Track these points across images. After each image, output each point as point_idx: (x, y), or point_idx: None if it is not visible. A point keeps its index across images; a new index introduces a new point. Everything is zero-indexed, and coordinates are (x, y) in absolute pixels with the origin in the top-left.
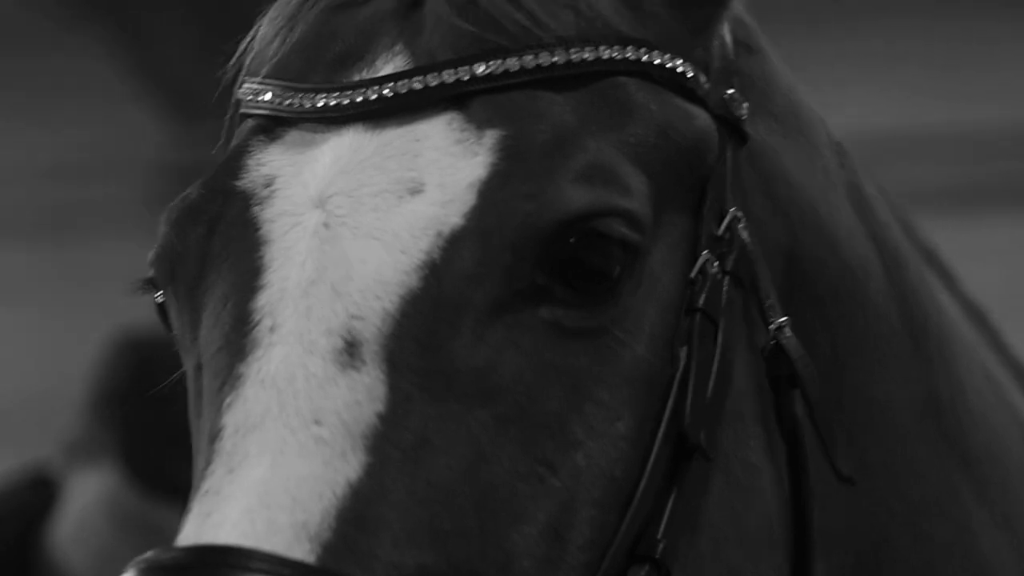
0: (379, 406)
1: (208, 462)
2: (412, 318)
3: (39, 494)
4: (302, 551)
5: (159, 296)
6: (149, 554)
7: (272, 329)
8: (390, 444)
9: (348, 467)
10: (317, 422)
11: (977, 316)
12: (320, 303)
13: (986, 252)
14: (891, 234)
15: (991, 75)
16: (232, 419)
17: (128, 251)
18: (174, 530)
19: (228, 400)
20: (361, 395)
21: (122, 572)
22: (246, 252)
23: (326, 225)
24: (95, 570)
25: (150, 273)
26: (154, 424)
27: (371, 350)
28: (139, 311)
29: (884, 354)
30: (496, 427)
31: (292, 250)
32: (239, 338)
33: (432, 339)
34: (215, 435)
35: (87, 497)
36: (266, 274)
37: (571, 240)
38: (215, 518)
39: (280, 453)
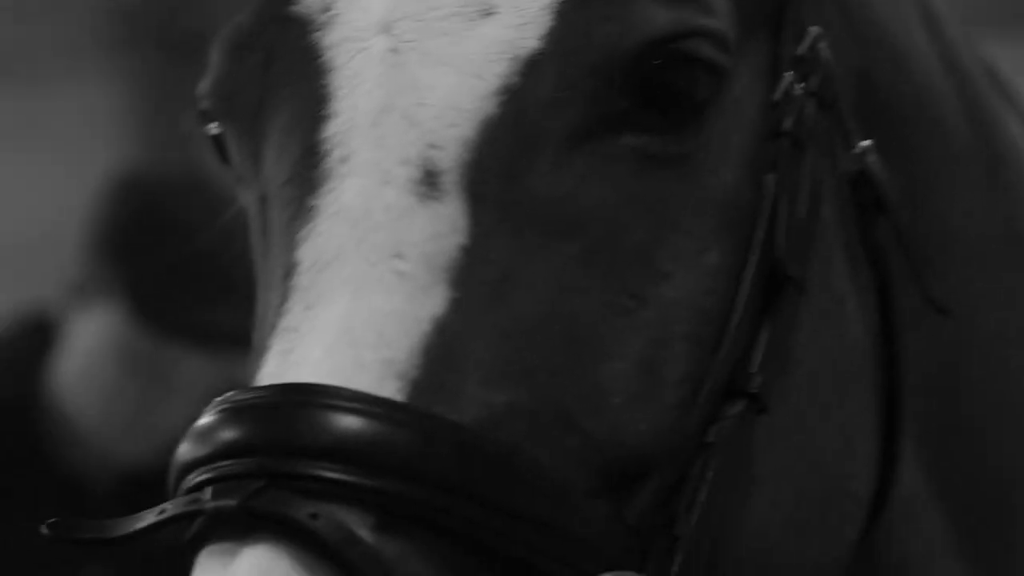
0: (461, 238)
1: (283, 299)
2: (491, 146)
3: (37, 339)
4: (390, 389)
5: (213, 128)
6: (228, 395)
7: (343, 160)
8: (474, 278)
9: (432, 302)
10: (398, 255)
11: None
12: (393, 132)
13: None
14: (960, 54)
15: None
16: (307, 254)
17: (83, 94)
18: (181, 371)
19: (301, 234)
20: (442, 227)
21: (201, 413)
22: (308, 80)
23: (393, 51)
24: (102, 413)
25: (202, 104)
26: (161, 263)
27: (450, 180)
28: (102, 157)
29: (962, 180)
30: (582, 260)
31: (359, 77)
32: (308, 170)
33: (513, 168)
34: (289, 271)
35: (92, 339)
36: (332, 103)
37: (656, 63)
38: (295, 356)
39: (360, 288)
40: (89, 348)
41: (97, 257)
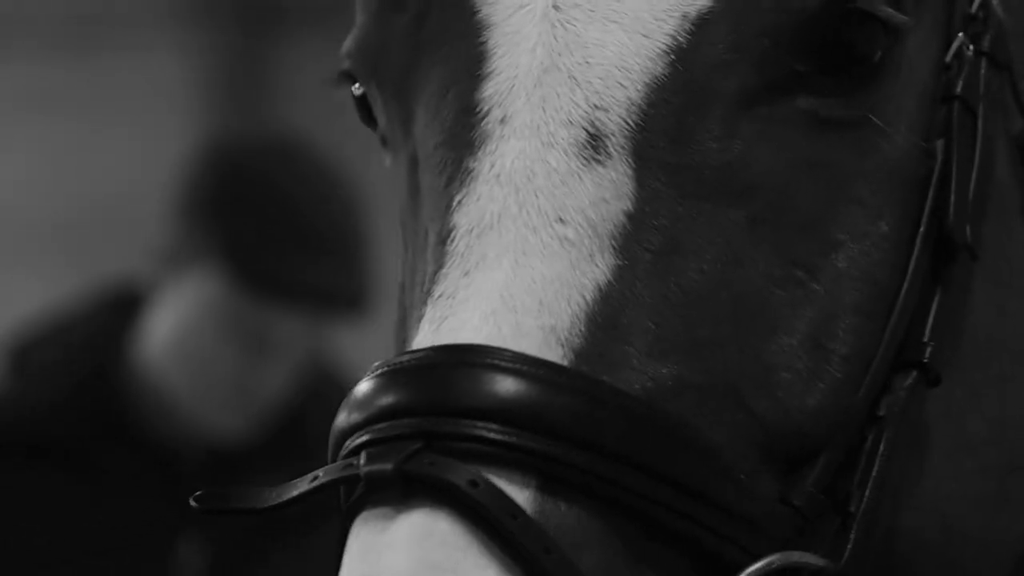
0: (626, 204)
1: (438, 264)
2: (659, 108)
3: (118, 312)
4: (552, 357)
5: (357, 89)
6: (384, 360)
7: (503, 121)
8: (639, 245)
9: (596, 269)
10: (561, 220)
11: None
12: (556, 92)
13: None
14: None
15: None
16: (464, 218)
17: (155, 65)
18: (281, 333)
19: (458, 198)
20: (607, 192)
21: (359, 380)
22: (465, 38)
23: (556, 7)
24: (196, 381)
25: (345, 65)
26: (257, 225)
27: (616, 143)
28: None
29: None
30: (750, 227)
31: (519, 35)
32: (465, 131)
33: (681, 132)
34: (445, 235)
35: (186, 307)
36: (491, 61)
37: (831, 21)
38: (452, 322)
39: (522, 254)
40: (183, 316)
41: (190, 224)
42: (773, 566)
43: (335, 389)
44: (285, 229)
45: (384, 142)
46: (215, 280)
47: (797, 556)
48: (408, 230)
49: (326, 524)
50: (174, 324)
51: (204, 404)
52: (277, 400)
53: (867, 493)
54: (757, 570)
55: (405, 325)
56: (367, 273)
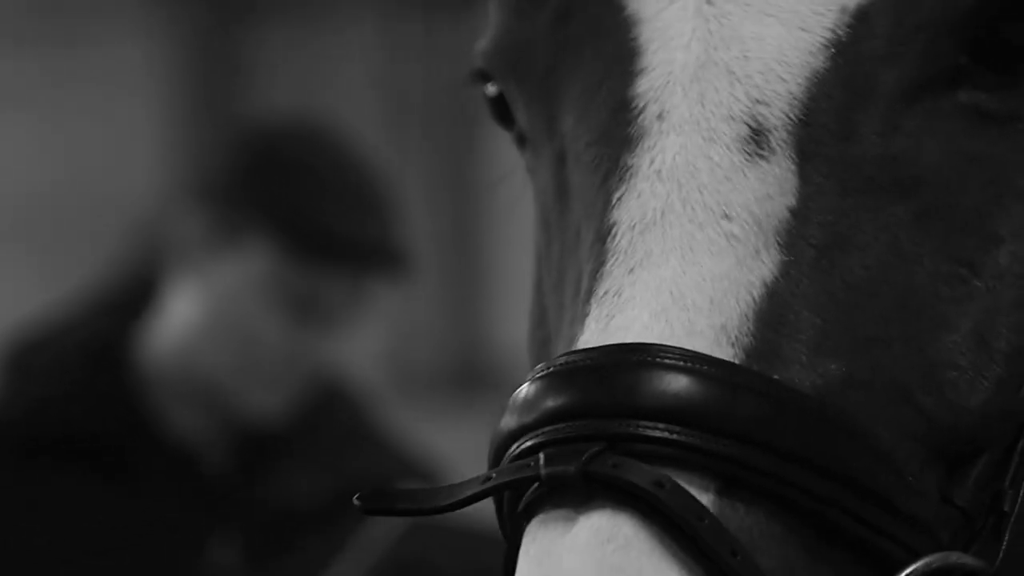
0: (790, 200)
1: (599, 262)
2: (821, 103)
3: (132, 304)
4: (725, 355)
5: (492, 88)
6: (548, 362)
7: (661, 116)
8: (804, 241)
9: (763, 266)
10: (726, 217)
11: None
12: (715, 87)
13: None
14: None
15: None
16: (625, 215)
17: (124, 52)
18: (327, 296)
19: (618, 195)
20: (772, 187)
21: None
22: (613, 35)
23: (709, 2)
24: (240, 356)
25: (481, 64)
26: (299, 193)
27: (779, 138)
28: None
29: None
30: (913, 223)
31: (672, 30)
32: (621, 128)
33: (843, 126)
34: (605, 233)
35: (226, 285)
36: (644, 57)
37: (992, 13)
38: (620, 320)
39: (689, 250)
40: (226, 294)
41: (228, 204)
42: (932, 566)
43: (350, 392)
44: (323, 194)
45: (521, 142)
46: (258, 253)
47: (955, 557)
48: (553, 228)
49: (350, 515)
50: (216, 304)
51: (247, 381)
52: (317, 376)
53: (1021, 493)
54: (916, 570)
55: (548, 323)
56: (403, 231)
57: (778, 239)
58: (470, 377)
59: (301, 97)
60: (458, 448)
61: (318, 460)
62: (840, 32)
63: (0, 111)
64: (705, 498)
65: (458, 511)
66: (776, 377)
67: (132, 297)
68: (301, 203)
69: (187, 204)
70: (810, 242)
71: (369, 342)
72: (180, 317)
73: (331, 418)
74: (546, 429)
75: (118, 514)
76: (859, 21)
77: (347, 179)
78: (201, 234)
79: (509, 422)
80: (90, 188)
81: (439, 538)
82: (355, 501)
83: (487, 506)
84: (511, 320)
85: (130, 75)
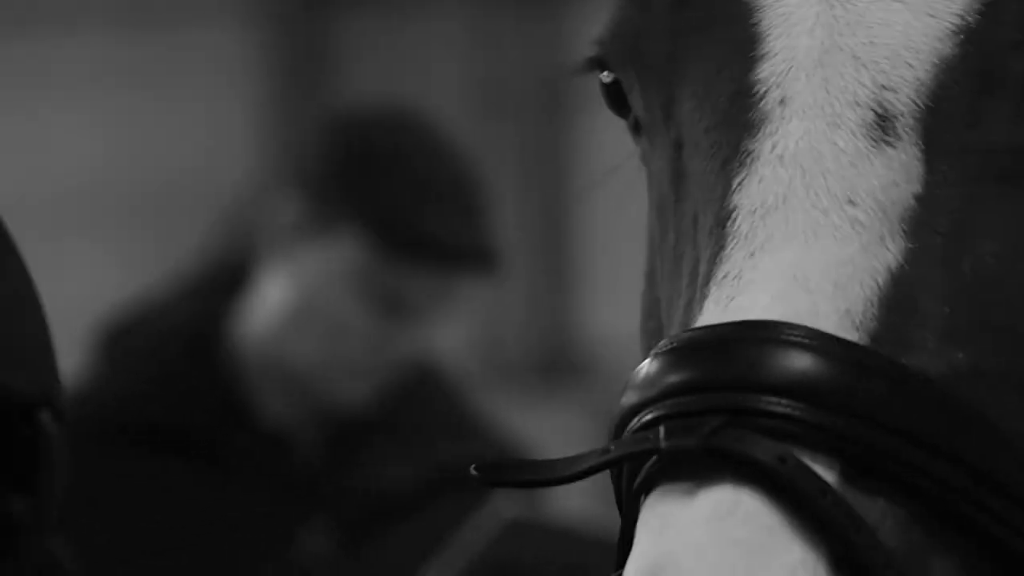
0: (916, 187)
1: (718, 246)
2: (948, 90)
3: (222, 287)
4: (850, 339)
5: (607, 76)
6: (670, 338)
7: (783, 102)
8: (929, 229)
9: (887, 253)
10: (851, 203)
11: None
12: (840, 73)
13: None
14: None
15: None
16: (746, 200)
17: (218, 35)
18: (419, 295)
19: (738, 180)
20: (897, 174)
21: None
22: (734, 21)
23: None
24: (328, 344)
25: (597, 52)
26: (392, 187)
27: (905, 124)
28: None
29: None
30: None
31: (795, 16)
32: (741, 113)
33: (971, 114)
34: (724, 218)
35: (316, 273)
36: (765, 43)
37: None
38: (740, 301)
39: (812, 235)
40: (314, 284)
41: (323, 193)
42: None
43: (445, 378)
44: (417, 190)
45: (636, 129)
46: (348, 244)
47: None
48: (668, 216)
49: (440, 498)
50: (300, 292)
51: (335, 369)
52: (408, 364)
53: None
54: None
55: (659, 313)
56: (496, 231)
57: (904, 226)
58: (559, 366)
59: (392, 86)
60: (547, 438)
61: (411, 447)
62: (969, 18)
63: (92, 94)
64: (828, 476)
65: (553, 512)
66: (904, 362)
67: (224, 283)
68: (394, 199)
69: (281, 191)
70: (936, 230)
71: (460, 330)
72: (271, 304)
73: (424, 404)
74: (667, 402)
75: (210, 501)
76: (988, 8)
77: (443, 175)
78: (294, 222)
79: (630, 397)
80: (182, 173)
81: (534, 538)
82: (473, 472)
83: (580, 506)
84: (600, 309)
85: (222, 60)
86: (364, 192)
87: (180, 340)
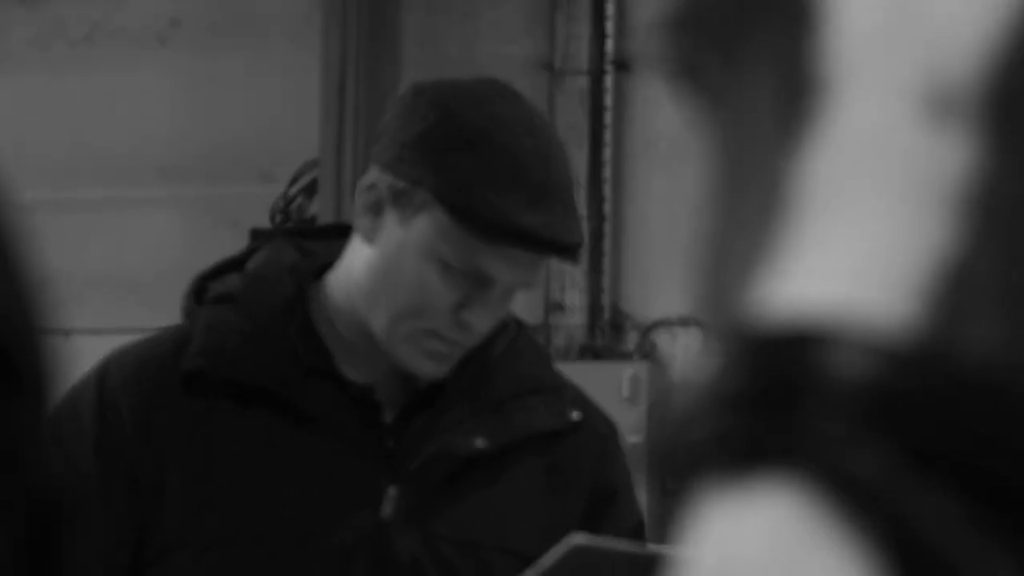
0: (976, 168)
1: (773, 227)
2: (1009, 71)
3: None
4: (907, 325)
5: (673, 51)
6: (725, 333)
7: (841, 81)
8: (987, 211)
9: (946, 235)
10: (910, 183)
11: None
12: (898, 52)
13: None
14: None
15: None
16: (804, 180)
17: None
18: (497, 269)
19: (797, 159)
20: (956, 155)
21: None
22: (794, 3)
23: None
24: (407, 312)
25: (662, 27)
26: (478, 166)
27: (961, 108)
28: (297, 58)
29: None
30: None
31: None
32: (799, 94)
33: None
34: (782, 199)
35: (396, 242)
36: (824, 22)
37: None
38: (800, 286)
39: (869, 217)
40: (391, 252)
41: (406, 166)
42: None
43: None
44: (505, 171)
45: (699, 109)
46: (433, 219)
47: None
48: (725, 196)
49: (511, 460)
50: (378, 260)
51: (416, 340)
52: (485, 335)
53: None
54: None
55: (718, 296)
56: (579, 220)
57: (963, 207)
58: (610, 350)
59: (462, 66)
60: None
61: (487, 413)
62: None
63: (159, 54)
64: (882, 476)
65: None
66: (962, 356)
67: (314, 252)
68: (481, 179)
69: (362, 160)
70: (996, 212)
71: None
72: (356, 273)
73: (507, 372)
74: (725, 405)
75: (294, 457)
76: None
77: (534, 158)
78: (380, 192)
79: (686, 401)
80: (249, 135)
81: (595, 560)
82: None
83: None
84: (651, 294)
85: (293, 20)
86: (444, 168)
87: (274, 303)
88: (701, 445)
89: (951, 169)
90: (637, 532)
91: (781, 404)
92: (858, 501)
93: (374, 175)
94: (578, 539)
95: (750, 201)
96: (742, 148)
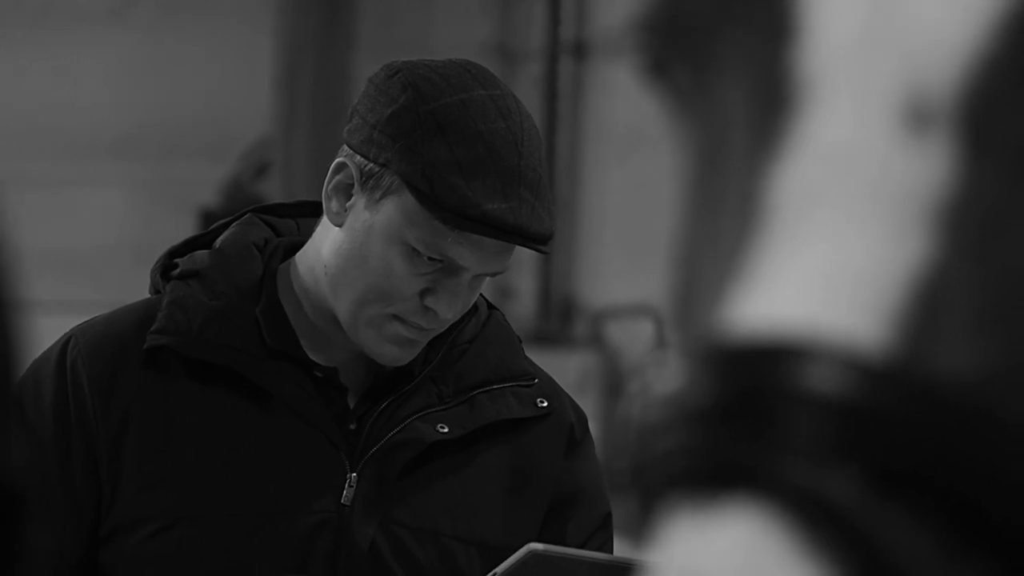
0: (952, 180)
1: (744, 239)
2: (988, 82)
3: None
4: (877, 339)
5: (647, 55)
6: (693, 344)
7: (817, 89)
8: (962, 223)
9: (920, 248)
10: (884, 196)
11: None
12: (876, 61)
13: None
14: None
15: None
16: (776, 191)
17: None
18: (465, 256)
19: (769, 169)
20: (932, 166)
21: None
22: (771, 5)
23: None
24: (371, 294)
25: (635, 32)
26: (453, 153)
27: (940, 118)
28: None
29: None
30: None
31: (833, 2)
32: (775, 100)
33: (1005, 108)
34: (755, 208)
35: (362, 224)
36: (800, 28)
37: None
38: (769, 298)
39: (841, 229)
40: (357, 233)
41: (376, 148)
42: None
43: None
44: (477, 157)
45: (673, 112)
46: (402, 203)
47: None
48: (699, 200)
49: (476, 447)
50: (344, 241)
51: (381, 325)
52: (452, 322)
53: None
54: None
55: (694, 300)
56: (551, 208)
57: (938, 219)
58: (560, 336)
59: (417, 49)
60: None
61: (453, 399)
62: (1008, 9)
63: (115, 31)
64: (852, 493)
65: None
66: (932, 369)
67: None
68: (442, 164)
69: (325, 139)
70: (972, 223)
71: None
72: (325, 255)
73: (471, 357)
74: (694, 419)
75: (257, 437)
76: None
77: (507, 144)
78: (350, 175)
79: (652, 416)
80: (205, 111)
81: (553, 567)
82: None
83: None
84: (602, 282)
85: (246, 5)
86: (418, 153)
87: (240, 281)
88: (669, 459)
89: (926, 183)
90: (604, 523)
91: (750, 420)
92: (825, 521)
93: (344, 156)
94: (536, 546)
95: (721, 212)
96: (713, 155)
